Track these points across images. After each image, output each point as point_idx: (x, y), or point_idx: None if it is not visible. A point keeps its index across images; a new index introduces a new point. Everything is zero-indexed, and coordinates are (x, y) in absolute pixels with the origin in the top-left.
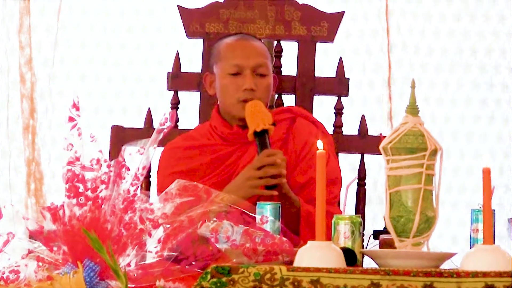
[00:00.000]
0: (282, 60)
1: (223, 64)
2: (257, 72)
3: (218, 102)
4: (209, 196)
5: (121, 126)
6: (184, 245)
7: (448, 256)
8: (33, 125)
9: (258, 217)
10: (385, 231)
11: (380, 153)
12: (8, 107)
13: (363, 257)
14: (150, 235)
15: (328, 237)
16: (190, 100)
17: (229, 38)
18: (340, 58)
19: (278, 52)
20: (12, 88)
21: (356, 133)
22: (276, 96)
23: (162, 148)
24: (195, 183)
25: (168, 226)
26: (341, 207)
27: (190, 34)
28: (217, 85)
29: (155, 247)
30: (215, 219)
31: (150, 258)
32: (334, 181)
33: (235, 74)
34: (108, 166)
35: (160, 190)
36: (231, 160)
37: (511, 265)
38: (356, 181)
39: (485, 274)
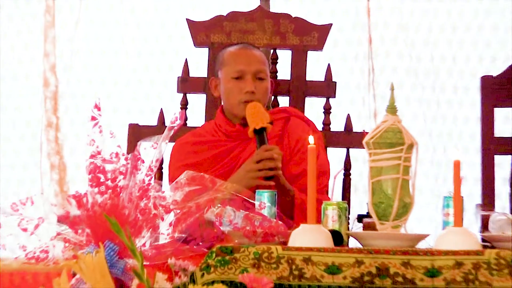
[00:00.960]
0: (277, 66)
1: (227, 69)
2: (257, 76)
3: (222, 103)
4: (214, 185)
5: (137, 124)
6: (192, 228)
7: (423, 237)
8: (57, 122)
9: (257, 203)
10: (367, 215)
11: (363, 147)
12: (31, 108)
13: (348, 238)
14: (162, 219)
15: (318, 221)
16: (197, 101)
17: (232, 47)
18: (329, 64)
19: (274, 59)
20: (36, 91)
21: (343, 130)
22: (273, 98)
23: (173, 143)
24: (202, 174)
25: (178, 211)
26: (330, 195)
27: (197, 43)
28: (222, 88)
29: (167, 229)
30: (219, 205)
31: (163, 239)
32: (323, 173)
33: (237, 78)
34: (126, 159)
35: (171, 180)
36: (233, 154)
37: (478, 245)
38: (343, 172)
39: (455, 253)
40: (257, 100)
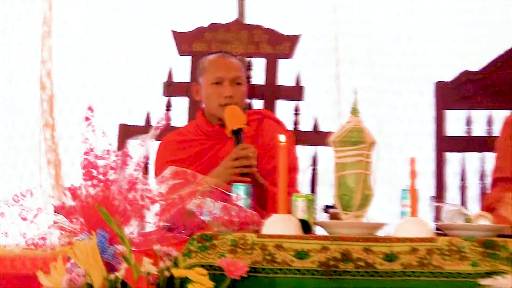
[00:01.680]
0: (252, 72)
1: (207, 76)
2: (235, 82)
3: (203, 106)
4: (195, 179)
5: (126, 124)
6: (175, 218)
7: (382, 225)
8: (52, 123)
9: (233, 195)
10: (333, 206)
11: (329, 146)
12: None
13: (315, 226)
14: (148, 209)
15: (289, 211)
16: (181, 104)
17: (211, 56)
18: (298, 71)
19: (249, 66)
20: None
21: (311, 130)
22: (248, 101)
23: (158, 142)
24: (184, 169)
25: (163, 202)
26: (299, 188)
27: (181, 52)
28: (202, 93)
29: (153, 219)
30: (200, 197)
31: (149, 228)
32: (293, 168)
33: (217, 83)
34: (116, 156)
35: (157, 174)
36: (213, 151)
37: (431, 233)
38: (311, 167)
39: (411, 240)
40: (234, 103)
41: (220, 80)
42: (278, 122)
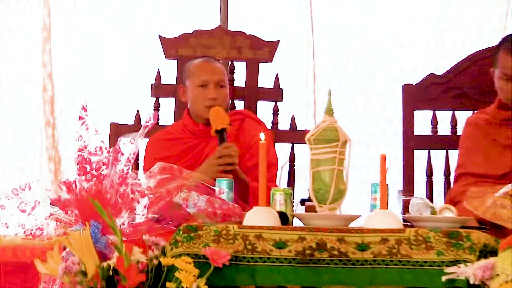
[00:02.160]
0: (234, 75)
1: (193, 79)
2: (219, 85)
3: (189, 107)
4: (181, 175)
5: (118, 123)
6: (163, 210)
7: (354, 217)
8: (53, 122)
9: (217, 189)
10: (309, 199)
11: (306, 143)
12: (32, 109)
13: (293, 218)
14: (138, 202)
15: (268, 204)
16: (168, 104)
17: (197, 60)
18: (277, 74)
19: (232, 70)
20: (36, 96)
21: (288, 129)
22: (230, 102)
23: (147, 139)
24: (171, 165)
25: (151, 196)
26: (277, 182)
27: (167, 56)
28: (189, 95)
29: (142, 211)
30: (186, 191)
31: (138, 219)
32: (272, 164)
33: (202, 86)
34: (108, 152)
35: (146, 170)
36: (198, 149)
37: (400, 224)
38: (288, 163)
39: (381, 231)
40: (218, 105)
41: (205, 83)
42: (258, 122)
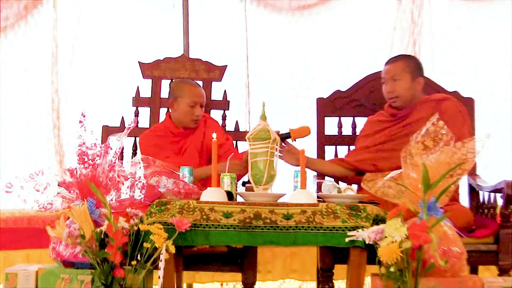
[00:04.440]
0: None
1: (186, 99)
2: (201, 105)
3: (174, 116)
4: (154, 164)
5: (108, 125)
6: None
7: (281, 195)
8: (58, 125)
9: (181, 174)
10: (248, 182)
11: (246, 141)
12: (43, 116)
13: (236, 196)
14: (123, 184)
15: (218, 185)
16: (144, 112)
17: (189, 83)
18: (225, 90)
19: None
20: (46, 106)
21: (233, 130)
22: None
23: (130, 138)
24: (148, 157)
25: (132, 179)
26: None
27: (144, 76)
28: (179, 109)
29: (126, 190)
30: (158, 176)
31: (123, 196)
32: (227, 139)
33: (191, 106)
34: (100, 147)
35: (143, 153)
36: (178, 144)
37: (315, 200)
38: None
39: (301, 205)
40: (198, 118)
41: (194, 104)
42: (215, 121)
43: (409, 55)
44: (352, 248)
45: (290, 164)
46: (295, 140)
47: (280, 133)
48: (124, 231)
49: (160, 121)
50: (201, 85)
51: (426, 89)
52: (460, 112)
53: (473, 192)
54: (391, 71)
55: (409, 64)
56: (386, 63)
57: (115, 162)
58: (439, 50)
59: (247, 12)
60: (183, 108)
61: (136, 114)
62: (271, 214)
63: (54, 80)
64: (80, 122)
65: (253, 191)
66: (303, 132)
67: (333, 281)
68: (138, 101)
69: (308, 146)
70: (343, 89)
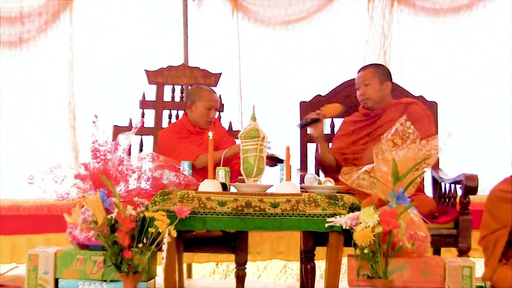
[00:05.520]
0: None
1: (203, 102)
2: (216, 108)
3: (192, 117)
4: (158, 159)
5: (117, 125)
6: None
7: (269, 186)
8: (74, 125)
9: (181, 168)
10: (240, 174)
11: (238, 138)
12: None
13: (230, 187)
14: (130, 176)
15: (214, 177)
16: (150, 113)
17: (206, 89)
18: (220, 94)
19: None
20: (62, 108)
21: (227, 129)
22: None
23: (137, 136)
24: (153, 152)
25: (138, 172)
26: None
27: (150, 82)
28: (196, 111)
29: (133, 182)
30: (161, 169)
31: (131, 187)
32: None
33: (208, 109)
34: (111, 144)
35: (161, 147)
36: (194, 140)
37: (298, 191)
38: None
39: (286, 195)
40: (211, 120)
41: (210, 107)
42: (223, 127)
43: (378, 64)
44: (331, 233)
45: (314, 135)
46: (325, 118)
47: (310, 117)
48: (132, 218)
49: (164, 121)
50: None
51: (396, 94)
52: (426, 114)
53: (436, 183)
54: (362, 77)
55: (377, 70)
56: (358, 71)
57: (123, 157)
58: (407, 60)
59: (239, 26)
60: (200, 110)
61: (142, 115)
62: (260, 202)
63: (71, 86)
64: (93, 122)
65: (245, 182)
66: (334, 109)
67: (314, 261)
68: (144, 104)
69: (292, 142)
70: (323, 94)
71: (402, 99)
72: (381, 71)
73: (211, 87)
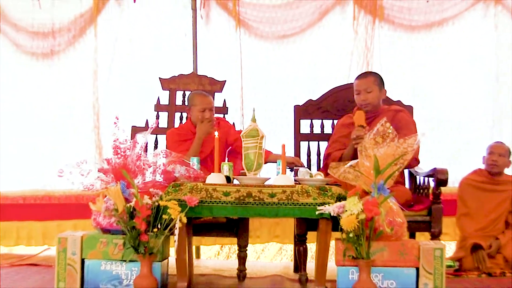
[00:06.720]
0: None
1: (197, 106)
2: (210, 110)
3: (192, 120)
4: (171, 155)
5: (135, 125)
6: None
7: (267, 179)
8: (98, 126)
9: (191, 163)
10: (242, 169)
11: (240, 137)
12: (87, 119)
13: (233, 179)
14: (147, 170)
15: (219, 171)
16: (163, 115)
17: (198, 94)
18: (224, 99)
19: None
20: (88, 111)
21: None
22: None
23: (153, 135)
24: (166, 149)
25: (154, 166)
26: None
27: (164, 88)
28: (193, 115)
29: (149, 175)
30: (173, 164)
31: (147, 180)
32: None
33: (202, 111)
34: (130, 142)
35: (169, 145)
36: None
37: (293, 183)
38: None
39: (282, 186)
40: (209, 121)
41: (204, 109)
42: (228, 123)
43: (375, 72)
44: (321, 219)
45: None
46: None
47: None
48: (148, 206)
49: (176, 122)
50: None
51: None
52: (412, 121)
53: (412, 176)
54: (365, 84)
55: (376, 79)
56: (358, 78)
57: (141, 154)
58: (386, 69)
59: (241, 40)
60: (195, 113)
61: (157, 117)
62: (260, 193)
63: (95, 92)
64: (115, 123)
65: (246, 176)
66: (360, 117)
67: (306, 244)
68: (158, 107)
69: (287, 141)
70: (314, 99)
71: (391, 106)
72: (379, 79)
73: (209, 92)
